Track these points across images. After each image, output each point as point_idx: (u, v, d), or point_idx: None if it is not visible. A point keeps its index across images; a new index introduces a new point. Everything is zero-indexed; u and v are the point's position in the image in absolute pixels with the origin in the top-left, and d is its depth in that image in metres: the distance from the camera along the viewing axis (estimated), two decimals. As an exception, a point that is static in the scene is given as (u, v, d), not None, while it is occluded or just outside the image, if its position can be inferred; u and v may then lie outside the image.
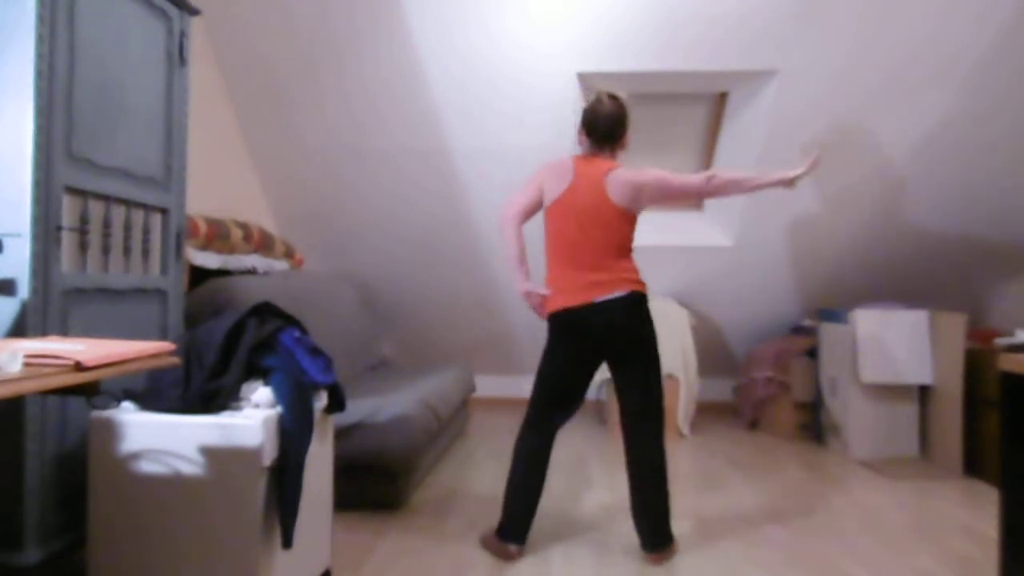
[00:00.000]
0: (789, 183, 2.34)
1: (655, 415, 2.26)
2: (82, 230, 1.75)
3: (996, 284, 4.25)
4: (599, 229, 2.19)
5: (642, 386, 2.25)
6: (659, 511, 2.24)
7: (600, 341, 2.21)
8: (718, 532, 2.50)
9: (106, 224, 1.84)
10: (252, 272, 3.19)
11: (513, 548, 2.23)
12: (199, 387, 1.61)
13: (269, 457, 1.58)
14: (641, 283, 2.24)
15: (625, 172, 2.23)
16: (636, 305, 2.21)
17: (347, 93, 3.47)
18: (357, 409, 2.57)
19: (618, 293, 2.18)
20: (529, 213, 2.30)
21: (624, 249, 2.25)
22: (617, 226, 2.21)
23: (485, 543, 2.29)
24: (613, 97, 2.26)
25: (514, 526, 2.24)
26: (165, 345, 1.41)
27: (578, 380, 2.27)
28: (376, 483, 2.62)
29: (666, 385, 4.07)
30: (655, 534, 2.23)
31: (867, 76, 3.24)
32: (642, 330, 2.23)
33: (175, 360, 1.43)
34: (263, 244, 3.24)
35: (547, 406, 2.27)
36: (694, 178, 2.26)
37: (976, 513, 2.77)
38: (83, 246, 1.76)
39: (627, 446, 2.28)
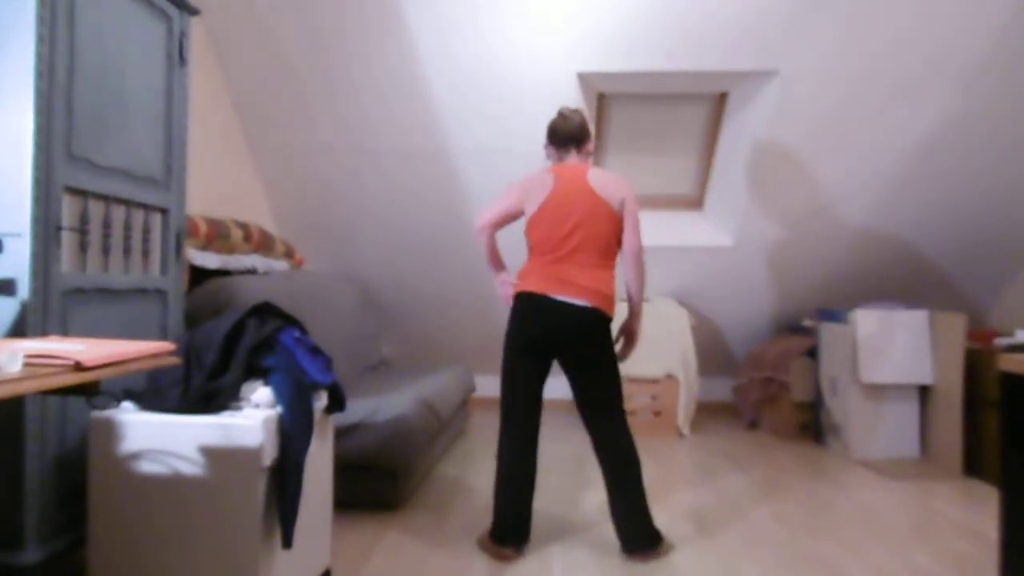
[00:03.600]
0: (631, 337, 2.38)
1: (613, 412, 2.25)
2: (82, 230, 1.75)
3: (996, 284, 4.25)
4: (584, 229, 2.20)
5: (594, 387, 2.24)
6: (640, 509, 2.23)
7: (544, 338, 2.20)
8: (718, 531, 2.50)
9: (106, 224, 1.84)
10: (252, 272, 3.19)
11: (508, 550, 2.22)
12: (199, 387, 1.61)
13: (269, 457, 1.58)
14: (609, 300, 2.22)
15: (609, 172, 2.32)
16: (594, 322, 2.18)
17: (348, 94, 3.47)
18: (357, 409, 2.57)
19: (579, 302, 2.17)
20: (502, 223, 2.36)
21: (605, 256, 2.24)
22: (602, 225, 2.22)
23: (482, 545, 2.30)
24: (574, 111, 2.41)
25: (506, 529, 2.24)
26: (165, 345, 1.41)
27: (532, 373, 2.24)
28: (376, 483, 2.62)
29: (666, 385, 4.09)
30: (641, 534, 2.22)
31: (867, 76, 3.24)
32: (592, 347, 2.20)
33: (175, 360, 1.43)
34: (263, 244, 3.24)
35: (514, 403, 2.26)
36: (637, 241, 2.27)
37: (976, 513, 2.77)
38: (83, 246, 1.76)
39: (595, 447, 2.28)
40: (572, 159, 2.39)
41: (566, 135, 2.37)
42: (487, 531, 2.31)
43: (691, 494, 2.95)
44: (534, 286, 2.20)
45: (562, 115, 2.41)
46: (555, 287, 2.18)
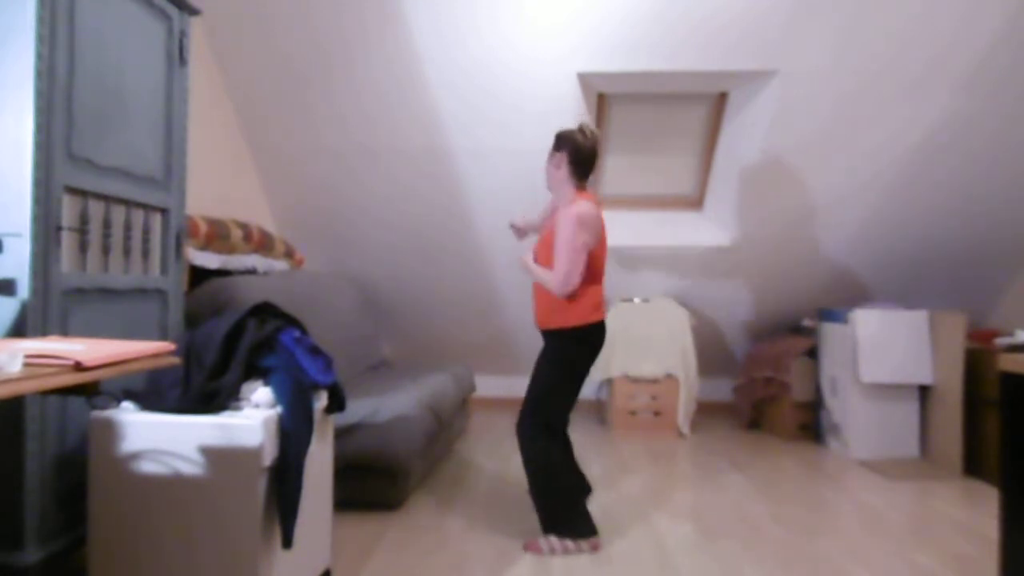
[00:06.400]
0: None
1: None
2: (82, 230, 1.75)
3: (996, 284, 4.25)
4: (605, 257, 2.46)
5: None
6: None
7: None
8: (718, 532, 2.50)
9: (106, 224, 1.84)
10: (252, 272, 3.19)
11: (598, 537, 2.33)
12: (199, 387, 1.61)
13: (269, 457, 1.58)
14: None
15: None
16: None
17: (348, 94, 3.47)
18: (357, 409, 2.57)
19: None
20: None
21: None
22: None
23: (564, 549, 2.28)
24: (592, 132, 2.43)
25: (588, 521, 2.34)
26: (165, 345, 1.41)
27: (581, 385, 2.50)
28: (376, 483, 2.62)
29: (666, 385, 4.09)
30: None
31: (867, 76, 3.24)
32: None
33: (175, 360, 1.43)
34: (263, 244, 3.24)
35: (564, 416, 2.42)
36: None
37: (976, 513, 2.77)
38: (83, 246, 1.76)
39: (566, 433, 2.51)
40: (583, 185, 2.43)
41: (587, 167, 2.40)
42: (559, 537, 2.30)
43: (691, 494, 2.95)
44: (603, 314, 2.39)
45: (583, 134, 2.36)
46: (604, 311, 2.43)
